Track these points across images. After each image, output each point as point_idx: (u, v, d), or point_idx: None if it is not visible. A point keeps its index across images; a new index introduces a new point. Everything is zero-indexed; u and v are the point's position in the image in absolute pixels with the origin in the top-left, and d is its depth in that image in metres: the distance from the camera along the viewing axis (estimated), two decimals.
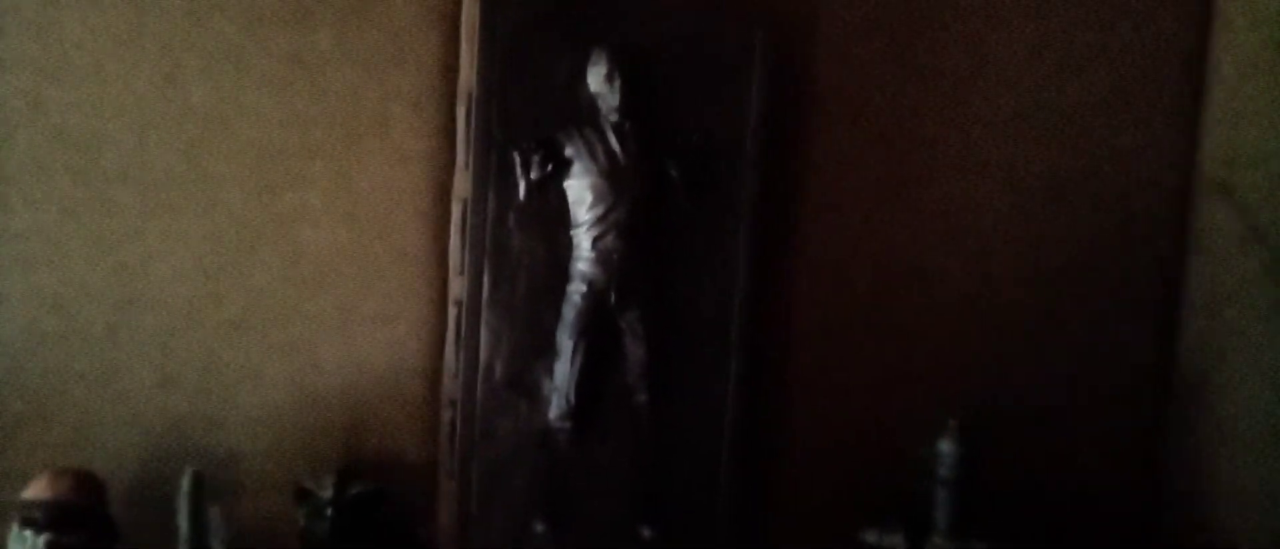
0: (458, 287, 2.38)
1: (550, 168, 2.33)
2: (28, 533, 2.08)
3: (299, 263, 2.40)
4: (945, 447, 2.42)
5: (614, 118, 2.35)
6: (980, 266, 2.66)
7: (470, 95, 2.35)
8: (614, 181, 2.33)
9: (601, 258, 2.35)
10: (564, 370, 2.37)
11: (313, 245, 2.40)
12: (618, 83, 2.33)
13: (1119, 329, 2.70)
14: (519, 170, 2.33)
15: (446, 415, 2.41)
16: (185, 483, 2.17)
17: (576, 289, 2.36)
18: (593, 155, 2.34)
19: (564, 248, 2.37)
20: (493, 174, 2.34)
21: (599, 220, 2.34)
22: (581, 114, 2.36)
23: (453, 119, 2.41)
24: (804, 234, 2.59)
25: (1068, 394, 2.70)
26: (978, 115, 2.63)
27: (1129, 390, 2.72)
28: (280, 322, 2.40)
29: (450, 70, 2.41)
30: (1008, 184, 2.65)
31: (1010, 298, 2.67)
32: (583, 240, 2.35)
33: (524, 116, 2.35)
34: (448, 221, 2.41)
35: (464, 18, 2.37)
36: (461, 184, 2.38)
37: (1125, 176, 2.67)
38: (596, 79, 2.34)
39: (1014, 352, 2.67)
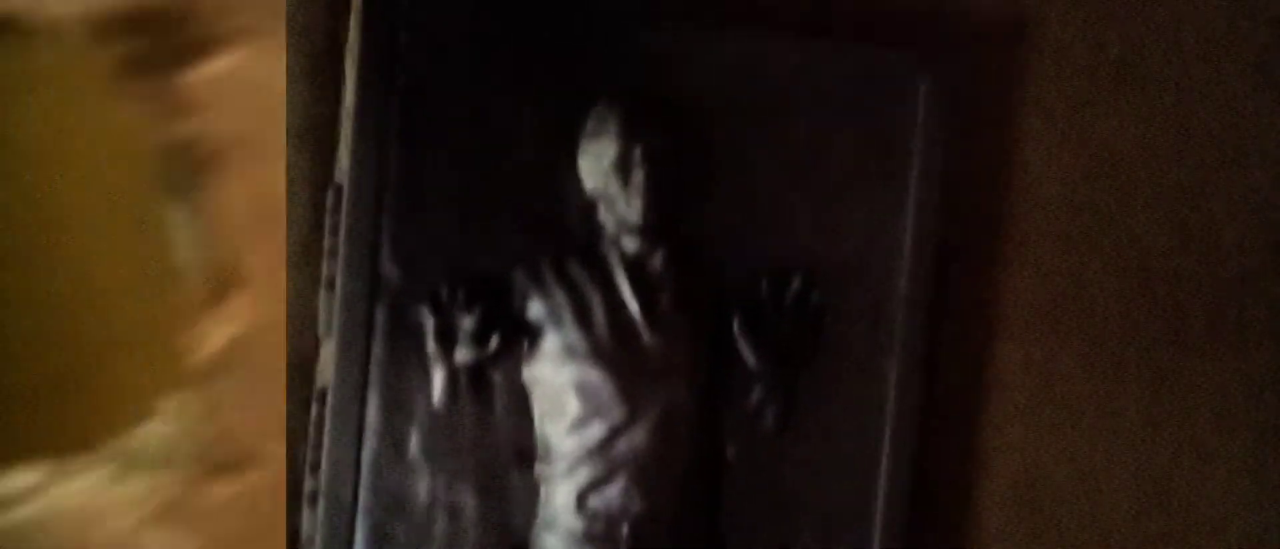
0: None
1: (496, 342, 1.15)
2: None
3: None
4: None
5: (630, 245, 1.17)
6: None
7: (340, 192, 1.18)
8: (628, 374, 1.14)
9: (598, 529, 1.15)
10: None
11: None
12: (640, 174, 1.14)
13: None
14: (433, 345, 1.15)
15: None
16: None
17: None
18: (584, 319, 1.15)
19: (520, 505, 1.18)
20: (378, 352, 1.16)
21: (594, 453, 1.14)
22: (563, 235, 1.18)
23: (320, 226, 1.24)
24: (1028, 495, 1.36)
25: None
26: None
27: None
28: None
29: (319, 132, 1.24)
30: None
31: None
32: (559, 493, 1.16)
33: (446, 237, 1.17)
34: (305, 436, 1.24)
35: (349, 40, 1.21)
36: (324, 365, 1.20)
37: None
38: (599, 166, 1.15)
39: None
